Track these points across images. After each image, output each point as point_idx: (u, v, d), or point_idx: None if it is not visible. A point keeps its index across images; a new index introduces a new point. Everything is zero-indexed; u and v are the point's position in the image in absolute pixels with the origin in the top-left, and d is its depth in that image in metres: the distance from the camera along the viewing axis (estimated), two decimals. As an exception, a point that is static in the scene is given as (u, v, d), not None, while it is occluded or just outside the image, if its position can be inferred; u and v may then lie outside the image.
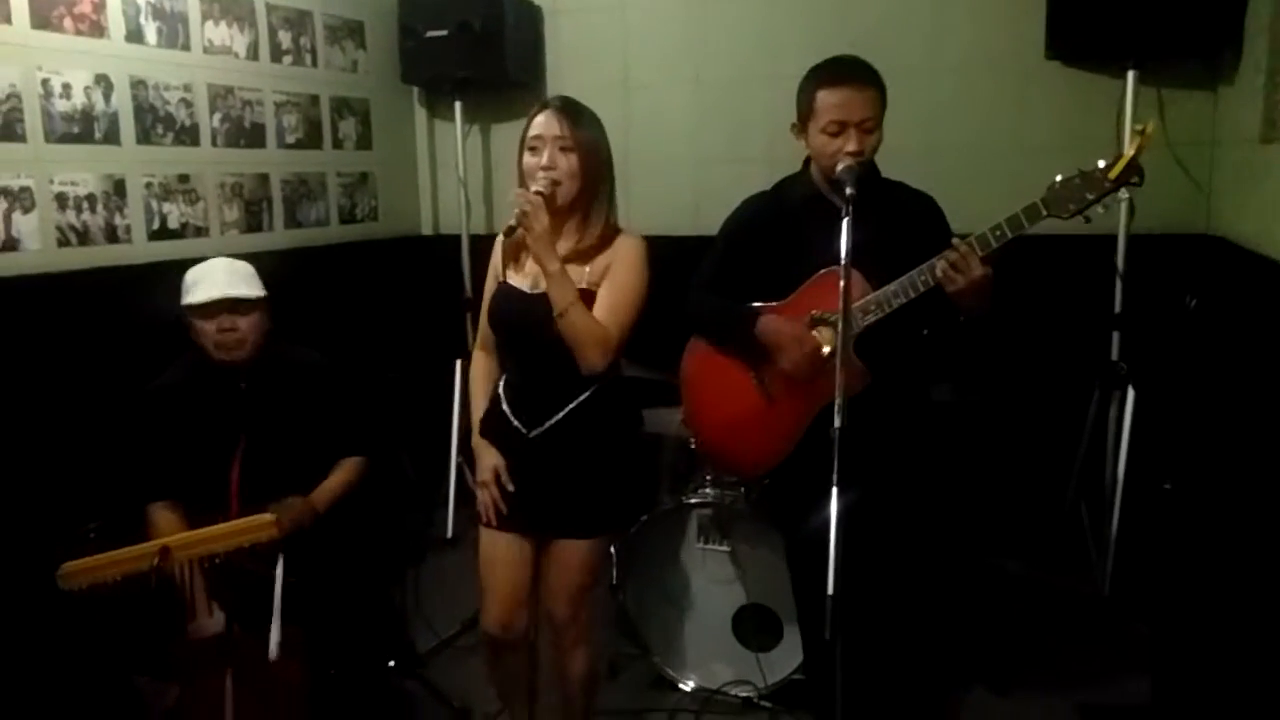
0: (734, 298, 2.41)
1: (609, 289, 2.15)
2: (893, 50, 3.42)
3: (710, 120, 4.03)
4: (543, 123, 2.14)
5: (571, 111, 2.15)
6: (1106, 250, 3.33)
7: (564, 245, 2.18)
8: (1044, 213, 2.09)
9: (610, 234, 2.21)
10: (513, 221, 2.06)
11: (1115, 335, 3.41)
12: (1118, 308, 3.38)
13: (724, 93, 3.98)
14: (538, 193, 2.09)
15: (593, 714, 2.49)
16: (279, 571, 2.23)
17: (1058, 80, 3.49)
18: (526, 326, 2.17)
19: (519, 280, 2.23)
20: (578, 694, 2.40)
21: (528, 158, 2.16)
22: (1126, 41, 3.16)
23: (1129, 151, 2.07)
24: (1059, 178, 2.10)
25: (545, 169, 2.12)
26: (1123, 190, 2.10)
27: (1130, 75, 3.25)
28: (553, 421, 2.19)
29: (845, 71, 2.23)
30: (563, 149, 2.12)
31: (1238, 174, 3.15)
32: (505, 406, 2.25)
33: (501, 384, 2.30)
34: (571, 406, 2.18)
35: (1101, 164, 2.08)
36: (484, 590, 2.31)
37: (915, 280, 2.16)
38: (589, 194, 2.18)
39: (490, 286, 2.32)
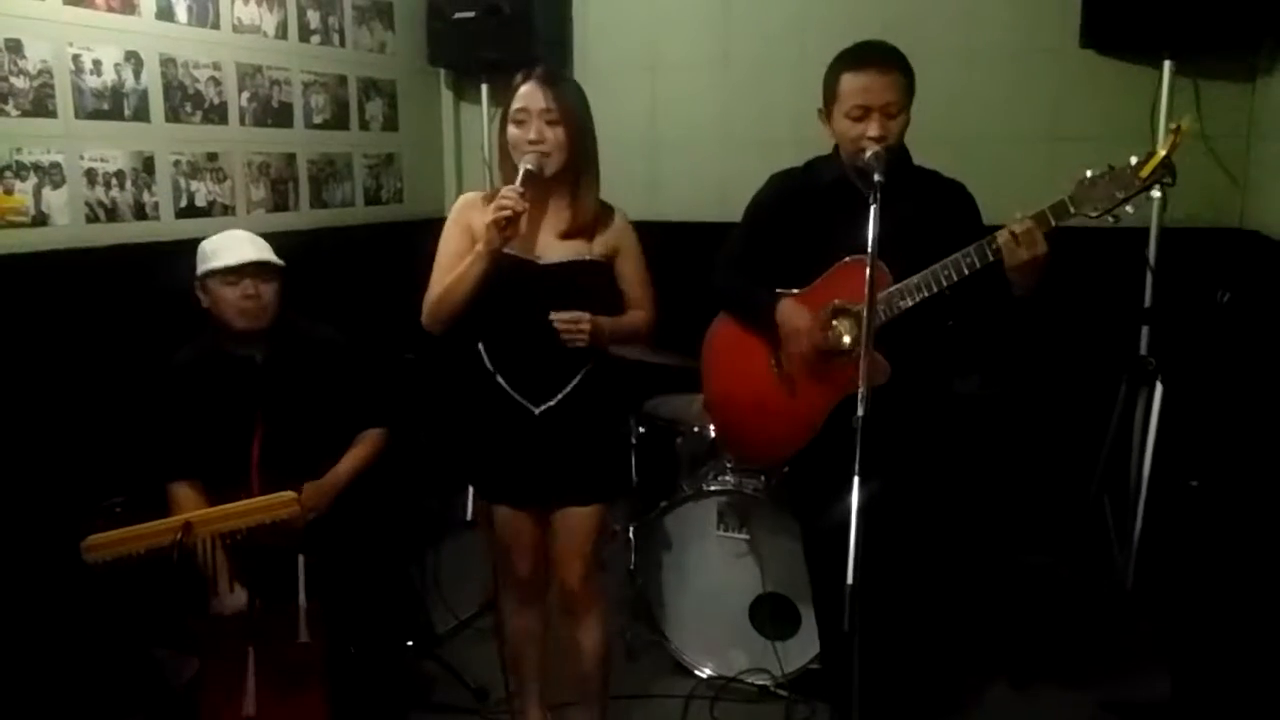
0: (758, 278, 2.39)
1: (631, 270, 2.27)
2: (924, 36, 3.38)
3: (738, 102, 4.00)
4: (527, 94, 2.12)
5: (555, 82, 2.14)
6: (1138, 243, 3.28)
7: (561, 220, 2.20)
8: (1071, 210, 2.05)
9: (607, 209, 2.25)
10: (497, 216, 2.06)
11: (1145, 329, 3.37)
12: (1148, 301, 3.34)
13: (752, 75, 3.95)
14: (528, 170, 2.09)
15: (609, 690, 2.50)
16: (301, 565, 2.27)
17: (1092, 69, 3.43)
18: (535, 300, 2.15)
19: (522, 251, 2.18)
20: (594, 669, 2.41)
21: (512, 130, 2.14)
22: (1163, 31, 3.10)
23: (1162, 150, 2.01)
24: (1088, 174, 2.05)
25: (533, 143, 2.11)
26: (1154, 189, 2.05)
27: (1167, 65, 3.20)
28: (560, 396, 2.20)
29: (869, 55, 2.20)
30: (549, 122, 2.11)
31: (1274, 168, 3.09)
32: (504, 383, 2.22)
33: (489, 359, 2.25)
34: (578, 380, 2.20)
35: (1133, 161, 2.03)
36: (507, 550, 2.35)
37: (939, 274, 2.13)
38: (577, 166, 2.17)
39: (460, 243, 2.22)
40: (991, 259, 2.09)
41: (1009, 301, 2.17)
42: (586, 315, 2.14)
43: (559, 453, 2.22)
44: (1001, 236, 2.07)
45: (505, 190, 2.08)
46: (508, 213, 2.05)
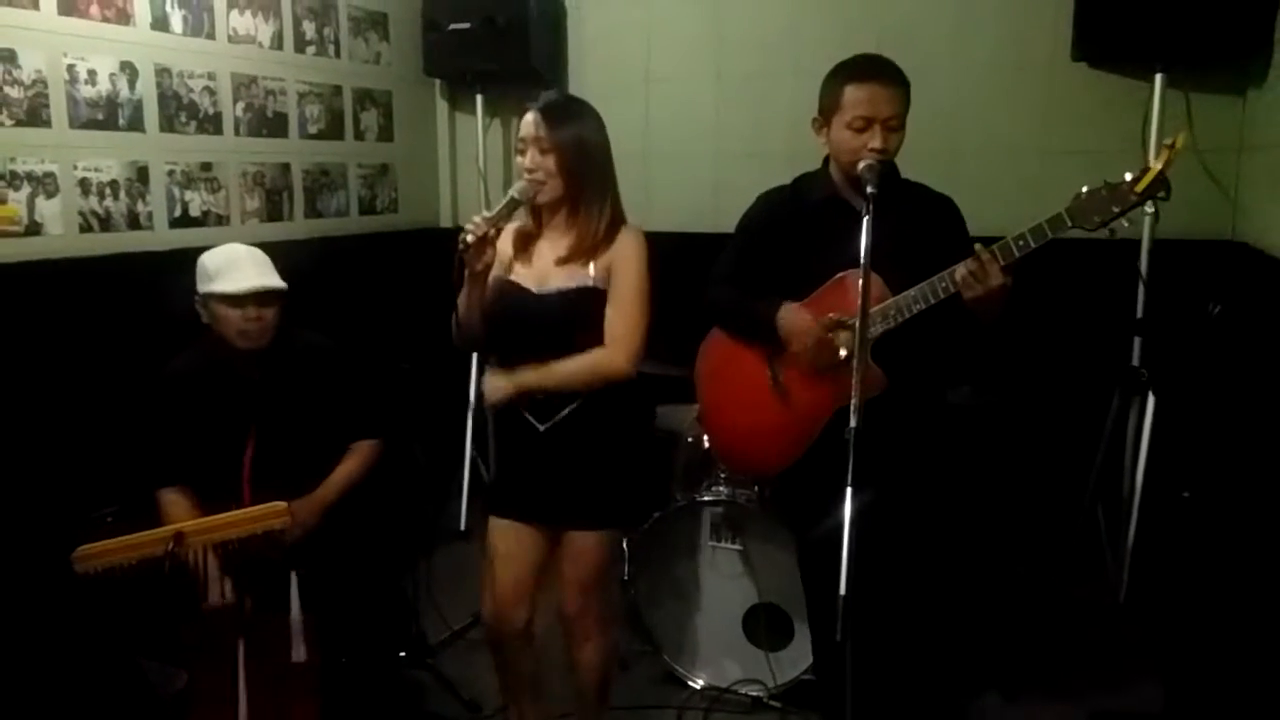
0: (751, 294, 2.40)
1: (615, 292, 2.19)
2: (917, 48, 3.39)
3: (731, 115, 4.01)
4: (525, 123, 2.18)
5: (552, 112, 2.17)
6: (1130, 255, 3.29)
7: (564, 243, 2.22)
8: (1069, 224, 2.06)
9: (614, 230, 2.22)
10: (459, 243, 2.10)
11: (1137, 340, 3.38)
12: (1140, 313, 3.35)
13: (746, 87, 3.96)
14: (513, 198, 2.15)
15: (607, 706, 2.48)
16: (293, 587, 2.26)
17: (1084, 82, 3.45)
18: (534, 327, 2.19)
19: (525, 277, 2.23)
20: (591, 688, 2.40)
21: (518, 158, 2.21)
22: (1155, 44, 3.12)
23: (1157, 165, 2.03)
24: (1084, 189, 2.06)
25: (529, 171, 2.17)
26: (1148, 203, 2.07)
27: (1158, 79, 3.21)
28: (563, 415, 2.20)
29: (874, 68, 2.22)
30: (542, 150, 2.15)
31: (1265, 180, 3.11)
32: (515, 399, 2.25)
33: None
34: (582, 399, 2.19)
35: (1128, 176, 2.04)
36: (486, 580, 2.33)
37: (935, 286, 2.14)
38: (574, 192, 2.19)
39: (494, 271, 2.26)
40: (943, 295, 2.12)
41: (971, 328, 2.20)
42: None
43: (564, 472, 2.22)
44: (959, 272, 2.09)
45: (473, 218, 2.12)
46: (468, 238, 2.09)
